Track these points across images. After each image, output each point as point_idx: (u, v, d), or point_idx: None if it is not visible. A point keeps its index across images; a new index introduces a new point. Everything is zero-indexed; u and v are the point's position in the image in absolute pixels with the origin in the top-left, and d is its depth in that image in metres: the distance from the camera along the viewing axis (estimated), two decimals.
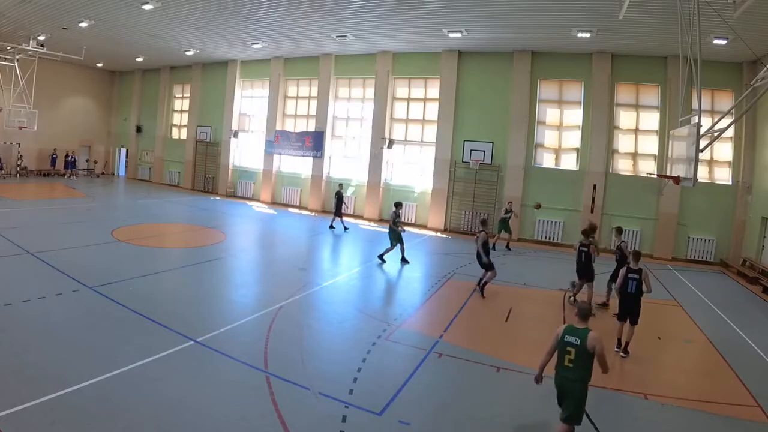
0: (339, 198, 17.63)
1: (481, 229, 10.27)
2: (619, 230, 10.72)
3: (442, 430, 5.11)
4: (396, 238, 12.62)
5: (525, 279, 12.09)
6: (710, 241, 16.04)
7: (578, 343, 4.50)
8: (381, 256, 12.66)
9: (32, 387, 4.95)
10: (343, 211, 17.91)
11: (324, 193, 22.00)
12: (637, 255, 7.61)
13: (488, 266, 10.12)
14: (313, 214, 21.40)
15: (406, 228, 13.89)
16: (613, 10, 12.34)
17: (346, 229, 17.48)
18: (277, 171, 23.61)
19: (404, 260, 12.77)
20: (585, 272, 9.62)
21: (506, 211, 16.03)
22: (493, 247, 15.42)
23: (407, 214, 20.05)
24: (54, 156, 27.35)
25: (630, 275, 7.38)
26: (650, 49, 15.66)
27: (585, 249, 9.59)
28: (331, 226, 17.63)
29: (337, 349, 7.25)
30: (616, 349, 7.39)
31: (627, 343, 7.35)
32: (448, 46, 18.45)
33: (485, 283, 10.13)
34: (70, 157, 27.47)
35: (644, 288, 7.38)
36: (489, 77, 18.60)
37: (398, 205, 13.16)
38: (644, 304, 10.31)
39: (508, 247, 16.14)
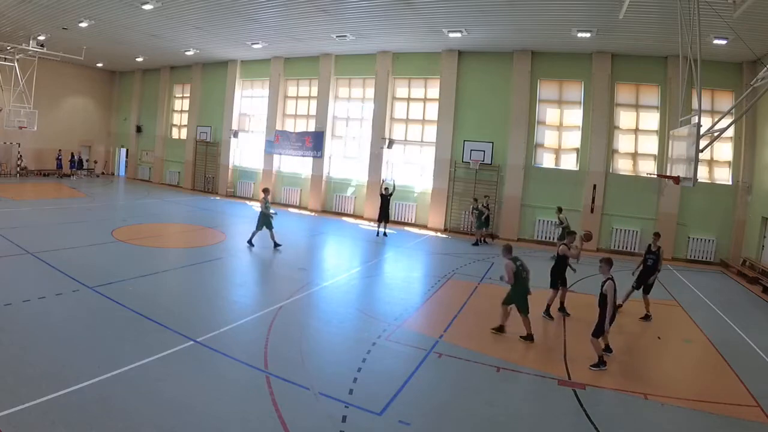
0: (386, 201, 16.62)
1: (563, 242, 9.52)
2: (657, 235, 9.99)
3: (442, 430, 5.11)
4: (265, 222, 12.99)
5: None
6: (710, 241, 16.04)
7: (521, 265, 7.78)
8: (249, 241, 13.23)
9: (32, 387, 4.95)
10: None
11: (324, 193, 22.01)
12: (611, 263, 7.14)
13: (554, 283, 9.16)
14: (313, 214, 21.39)
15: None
16: (613, 10, 12.34)
17: (385, 234, 16.65)
18: (277, 171, 23.62)
19: (276, 245, 13.12)
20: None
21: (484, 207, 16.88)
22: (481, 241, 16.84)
23: (407, 213, 20.09)
24: (59, 157, 27.32)
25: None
26: (650, 49, 15.66)
27: None
28: (384, 234, 16.68)
29: (337, 349, 7.24)
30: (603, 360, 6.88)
31: (607, 344, 7.27)
32: (448, 46, 18.45)
33: (550, 304, 9.09)
34: (76, 157, 27.50)
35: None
36: (489, 77, 18.61)
37: (266, 191, 13.78)
38: (643, 303, 10.33)
39: (481, 242, 16.87)
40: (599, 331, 6.85)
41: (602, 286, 6.89)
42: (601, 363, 6.81)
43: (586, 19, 13.70)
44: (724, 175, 16.27)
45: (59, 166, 27.35)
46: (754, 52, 12.86)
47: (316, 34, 18.20)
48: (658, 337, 8.55)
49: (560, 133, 18.08)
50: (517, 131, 17.95)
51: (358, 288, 10.63)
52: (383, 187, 17.17)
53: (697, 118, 8.70)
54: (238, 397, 5.30)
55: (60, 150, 27.38)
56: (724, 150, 16.18)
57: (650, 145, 16.94)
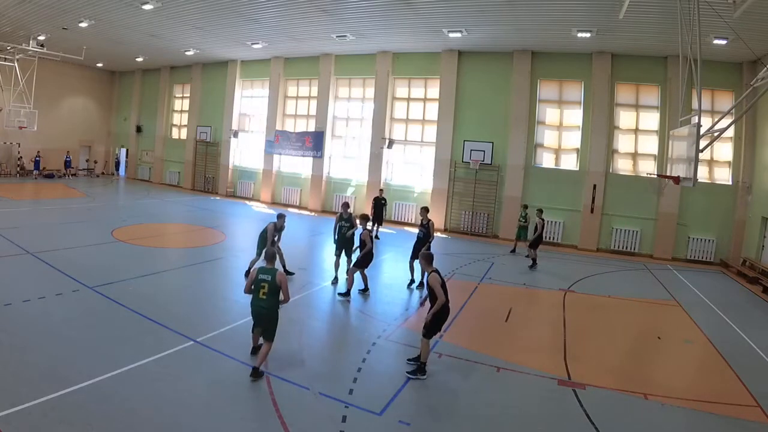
0: (380, 205, 16.71)
1: None
2: None
3: (442, 430, 5.11)
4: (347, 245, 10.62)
5: (525, 279, 12.09)
6: (710, 241, 16.04)
7: (269, 279, 5.87)
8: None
9: (32, 387, 4.95)
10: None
11: (324, 193, 22.01)
12: (429, 258, 6.51)
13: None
14: (313, 214, 21.39)
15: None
16: (613, 10, 12.35)
17: (377, 237, 15.97)
18: (277, 171, 23.62)
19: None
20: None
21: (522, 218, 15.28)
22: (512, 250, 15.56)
23: (407, 213, 20.08)
24: (68, 158, 27.59)
25: (444, 278, 6.36)
26: (650, 49, 15.66)
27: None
28: (377, 236, 15.93)
29: (337, 349, 7.25)
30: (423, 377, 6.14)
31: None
32: (448, 46, 18.45)
33: None
34: (68, 158, 27.65)
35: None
36: (489, 77, 18.61)
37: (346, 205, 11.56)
38: (643, 304, 10.35)
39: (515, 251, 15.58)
40: (430, 331, 6.16)
41: (427, 281, 6.22)
42: (420, 371, 6.10)
43: (586, 19, 13.70)
44: (724, 175, 16.27)
45: (68, 165, 27.64)
46: (754, 52, 12.86)
47: (316, 34, 18.20)
48: (658, 337, 8.55)
49: (560, 133, 18.07)
50: (517, 131, 17.94)
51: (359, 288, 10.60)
52: (381, 190, 17.55)
53: (697, 118, 8.70)
54: (238, 397, 5.30)
55: (68, 151, 27.75)
56: (724, 150, 16.18)
57: (650, 145, 16.93)
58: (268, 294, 5.85)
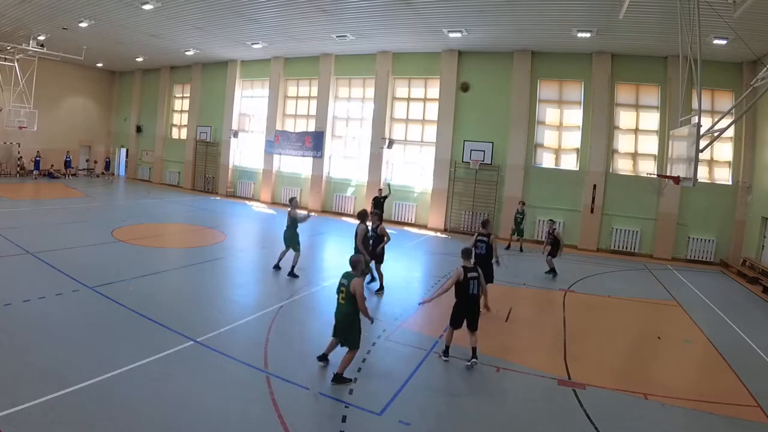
0: (380, 205, 16.76)
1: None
2: None
3: (442, 430, 5.11)
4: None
5: (525, 279, 12.08)
6: (710, 241, 16.03)
7: (347, 284, 5.77)
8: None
9: (32, 387, 4.95)
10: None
11: (324, 193, 22.02)
12: (468, 252, 6.91)
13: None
14: (313, 213, 21.36)
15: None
16: (613, 10, 12.34)
17: None
18: (277, 171, 23.63)
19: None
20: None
21: (518, 212, 16.07)
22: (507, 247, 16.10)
23: (407, 213, 20.07)
24: (68, 158, 27.67)
25: (470, 275, 6.64)
26: (650, 49, 15.66)
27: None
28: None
29: (337, 349, 7.22)
30: (444, 358, 6.71)
31: (474, 348, 6.63)
32: (448, 46, 18.45)
33: None
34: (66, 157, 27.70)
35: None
36: (489, 77, 18.61)
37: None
38: (644, 304, 10.34)
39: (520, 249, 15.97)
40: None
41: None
42: (444, 354, 6.73)
43: (586, 19, 13.70)
44: (724, 175, 16.26)
45: (69, 165, 27.72)
46: (754, 52, 12.85)
47: (316, 34, 18.20)
48: (658, 337, 8.55)
49: (560, 133, 18.07)
50: (517, 131, 17.94)
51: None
52: (380, 190, 17.52)
53: (697, 118, 8.70)
54: (238, 397, 5.30)
55: (68, 151, 27.79)
56: (724, 150, 16.17)
57: (650, 145, 16.93)
58: (346, 299, 5.77)
